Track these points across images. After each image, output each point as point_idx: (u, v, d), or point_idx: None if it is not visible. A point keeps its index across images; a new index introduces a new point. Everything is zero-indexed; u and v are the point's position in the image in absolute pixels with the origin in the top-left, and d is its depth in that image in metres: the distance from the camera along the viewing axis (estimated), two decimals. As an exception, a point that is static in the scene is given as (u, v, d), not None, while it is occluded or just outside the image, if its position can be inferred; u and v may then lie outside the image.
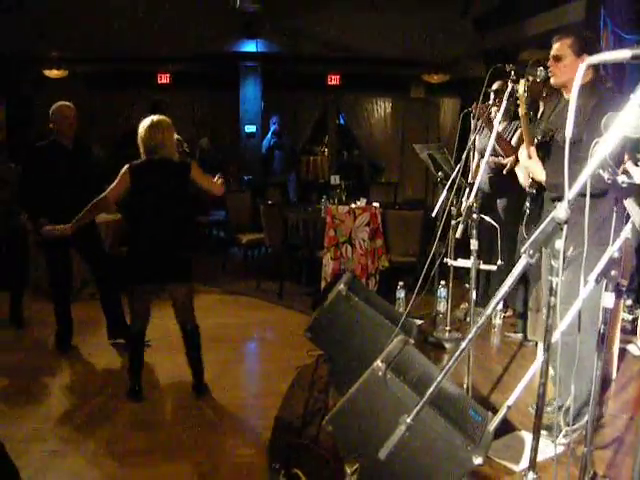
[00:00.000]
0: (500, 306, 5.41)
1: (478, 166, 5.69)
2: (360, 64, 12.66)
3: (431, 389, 1.95)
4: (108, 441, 4.23)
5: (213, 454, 4.10)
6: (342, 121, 14.93)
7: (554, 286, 1.77)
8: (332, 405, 4.21)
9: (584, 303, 3.14)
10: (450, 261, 4.49)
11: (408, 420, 2.14)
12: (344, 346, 3.90)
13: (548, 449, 3.34)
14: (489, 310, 1.84)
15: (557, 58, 3.40)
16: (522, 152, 3.55)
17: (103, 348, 5.84)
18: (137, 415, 4.61)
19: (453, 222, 4.60)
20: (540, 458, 3.29)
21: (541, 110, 4.97)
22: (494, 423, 2.45)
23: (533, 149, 3.50)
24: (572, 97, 1.77)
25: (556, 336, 2.55)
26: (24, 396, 4.89)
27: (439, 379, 1.90)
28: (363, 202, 7.84)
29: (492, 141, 3.61)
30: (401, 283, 5.81)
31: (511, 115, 5.16)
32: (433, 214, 4.61)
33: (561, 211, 1.67)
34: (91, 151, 5.93)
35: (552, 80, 3.45)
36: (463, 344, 1.82)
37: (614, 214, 2.63)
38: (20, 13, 10.53)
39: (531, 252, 1.69)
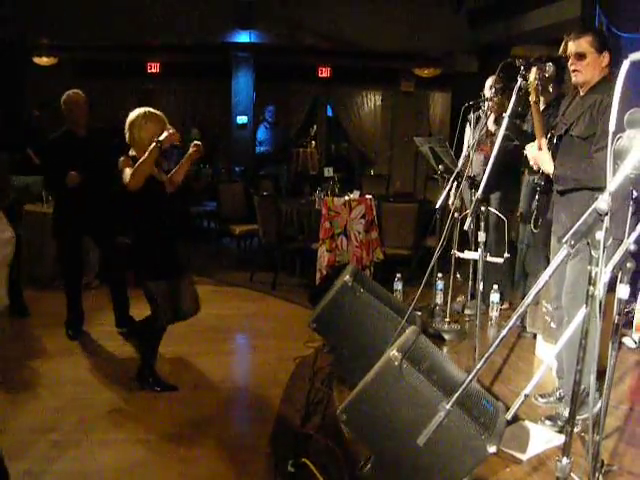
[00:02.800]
0: (497, 298, 5.47)
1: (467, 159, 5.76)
2: (351, 57, 12.68)
3: (469, 377, 1.99)
4: (112, 431, 4.25)
5: (217, 444, 4.13)
6: (330, 113, 14.94)
7: (593, 275, 1.81)
8: (335, 395, 4.26)
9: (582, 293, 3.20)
10: (456, 253, 4.54)
11: (447, 406, 2.18)
12: (349, 337, 3.94)
13: (553, 439, 3.40)
14: (528, 300, 1.88)
15: (580, 56, 3.38)
16: (532, 144, 3.58)
17: (108, 337, 5.85)
18: (140, 406, 4.63)
19: (457, 214, 4.65)
20: (546, 447, 3.38)
21: (542, 106, 5.03)
22: (511, 412, 2.50)
23: (544, 141, 3.53)
24: (616, 91, 1.81)
25: (570, 329, 2.61)
26: (29, 386, 4.89)
27: (478, 367, 1.94)
28: (356, 194, 7.87)
29: (500, 137, 3.63)
30: (399, 275, 5.86)
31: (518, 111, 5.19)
32: (437, 206, 4.65)
33: (602, 202, 1.71)
34: (109, 137, 5.93)
35: (574, 79, 3.45)
36: (501, 334, 1.86)
37: (628, 208, 2.67)
38: (10, -1, 10.46)
39: (572, 242, 1.74)
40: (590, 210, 1.74)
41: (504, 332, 1.93)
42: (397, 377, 2.67)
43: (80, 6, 10.68)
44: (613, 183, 1.74)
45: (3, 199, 6.38)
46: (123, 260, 5.97)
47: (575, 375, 2.01)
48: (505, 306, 5.75)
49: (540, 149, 3.53)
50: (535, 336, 4.84)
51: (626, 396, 4.10)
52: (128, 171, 4.31)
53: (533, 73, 3.60)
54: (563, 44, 5.10)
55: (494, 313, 5.46)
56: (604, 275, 2.33)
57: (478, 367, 1.98)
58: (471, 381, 2.05)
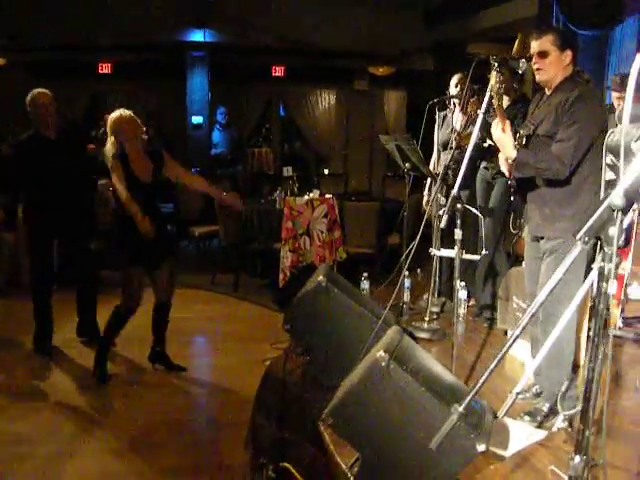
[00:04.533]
0: (465, 295, 5.47)
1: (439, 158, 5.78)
2: (305, 56, 12.62)
3: (480, 382, 1.96)
4: (80, 440, 4.14)
5: (189, 450, 4.06)
6: (282, 112, 14.87)
7: (606, 272, 1.80)
8: (310, 398, 4.20)
9: (562, 291, 3.21)
10: (434, 251, 4.52)
11: (460, 409, 2.14)
12: (324, 338, 3.88)
13: (534, 434, 3.40)
14: (535, 307, 1.86)
15: (542, 54, 3.42)
16: (496, 126, 3.56)
17: (69, 344, 5.69)
18: (108, 413, 4.54)
19: (440, 212, 4.62)
20: (527, 443, 3.37)
21: (505, 104, 5.05)
22: (503, 411, 2.48)
23: (508, 123, 3.52)
24: (629, 85, 1.79)
25: (557, 327, 2.61)
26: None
27: (491, 368, 1.91)
28: (316, 194, 7.83)
29: (475, 133, 3.62)
30: (365, 274, 5.82)
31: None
32: (424, 204, 4.63)
33: (617, 198, 1.70)
34: (82, 137, 5.78)
35: (538, 77, 3.48)
36: (511, 336, 1.84)
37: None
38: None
39: (586, 239, 1.72)
40: (604, 206, 1.73)
41: (511, 341, 1.90)
42: (384, 378, 2.63)
43: (29, 5, 10.42)
44: (626, 179, 1.73)
45: None
46: (95, 262, 5.89)
47: (588, 373, 1.99)
48: (471, 303, 5.76)
49: (504, 131, 3.52)
50: (506, 332, 4.85)
51: (601, 389, 4.13)
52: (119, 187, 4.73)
53: (493, 78, 3.60)
54: (517, 43, 5.14)
55: (461, 310, 5.46)
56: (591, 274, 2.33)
57: (491, 368, 1.96)
58: (482, 386, 2.02)
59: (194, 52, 11.73)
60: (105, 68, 12.54)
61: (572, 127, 3.33)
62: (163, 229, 5.06)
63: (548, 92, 3.55)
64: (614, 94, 5.58)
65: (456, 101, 5.40)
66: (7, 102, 12.04)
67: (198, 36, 11.13)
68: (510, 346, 1.99)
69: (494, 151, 4.68)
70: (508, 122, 3.52)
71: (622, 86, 5.11)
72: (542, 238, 3.58)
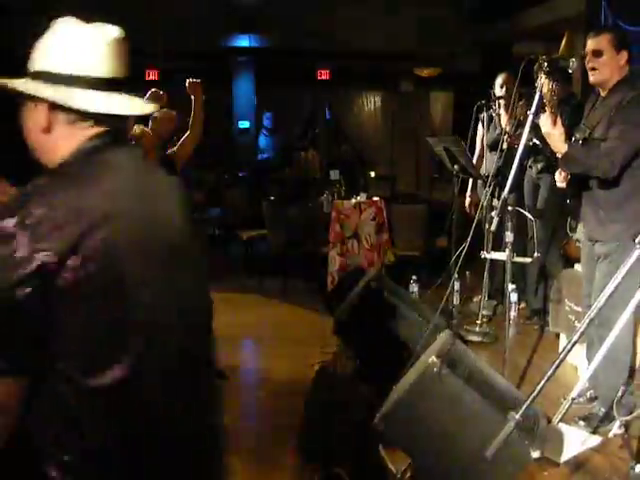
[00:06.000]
0: (515, 298, 5.41)
1: (481, 158, 5.73)
2: (350, 59, 12.61)
3: (538, 388, 1.93)
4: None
5: (241, 454, 4.06)
6: (328, 116, 14.87)
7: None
8: (360, 402, 4.18)
9: (619, 296, 3.15)
10: (485, 254, 4.47)
11: (517, 416, 2.12)
12: (375, 340, 3.88)
13: (588, 440, 3.33)
14: (592, 314, 1.83)
15: (597, 53, 3.36)
16: (546, 118, 3.48)
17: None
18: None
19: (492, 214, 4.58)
20: (581, 449, 3.31)
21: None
22: (557, 416, 2.44)
23: (558, 117, 3.46)
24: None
25: (614, 331, 2.56)
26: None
27: (548, 374, 1.88)
28: (364, 197, 7.79)
29: (525, 135, 3.56)
30: (414, 277, 5.80)
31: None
32: (467, 206, 4.58)
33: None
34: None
35: (592, 78, 3.42)
36: (569, 342, 1.81)
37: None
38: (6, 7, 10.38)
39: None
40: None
41: (569, 347, 1.87)
42: (436, 384, 2.61)
43: (77, 13, 10.59)
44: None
45: None
46: None
47: None
48: (522, 306, 5.70)
49: (554, 124, 3.45)
50: (558, 336, 4.79)
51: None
52: None
53: (545, 85, 3.54)
54: (564, 41, 5.06)
55: (512, 313, 5.40)
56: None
57: (548, 375, 1.93)
58: (539, 393, 1.99)
59: (240, 57, 11.82)
60: (152, 75, 12.68)
61: (623, 127, 3.27)
62: None
63: (603, 94, 3.48)
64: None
65: (502, 102, 5.35)
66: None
67: (244, 41, 11.21)
68: (568, 352, 1.95)
69: (539, 149, 4.64)
70: (558, 116, 3.46)
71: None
72: (597, 241, 3.52)
